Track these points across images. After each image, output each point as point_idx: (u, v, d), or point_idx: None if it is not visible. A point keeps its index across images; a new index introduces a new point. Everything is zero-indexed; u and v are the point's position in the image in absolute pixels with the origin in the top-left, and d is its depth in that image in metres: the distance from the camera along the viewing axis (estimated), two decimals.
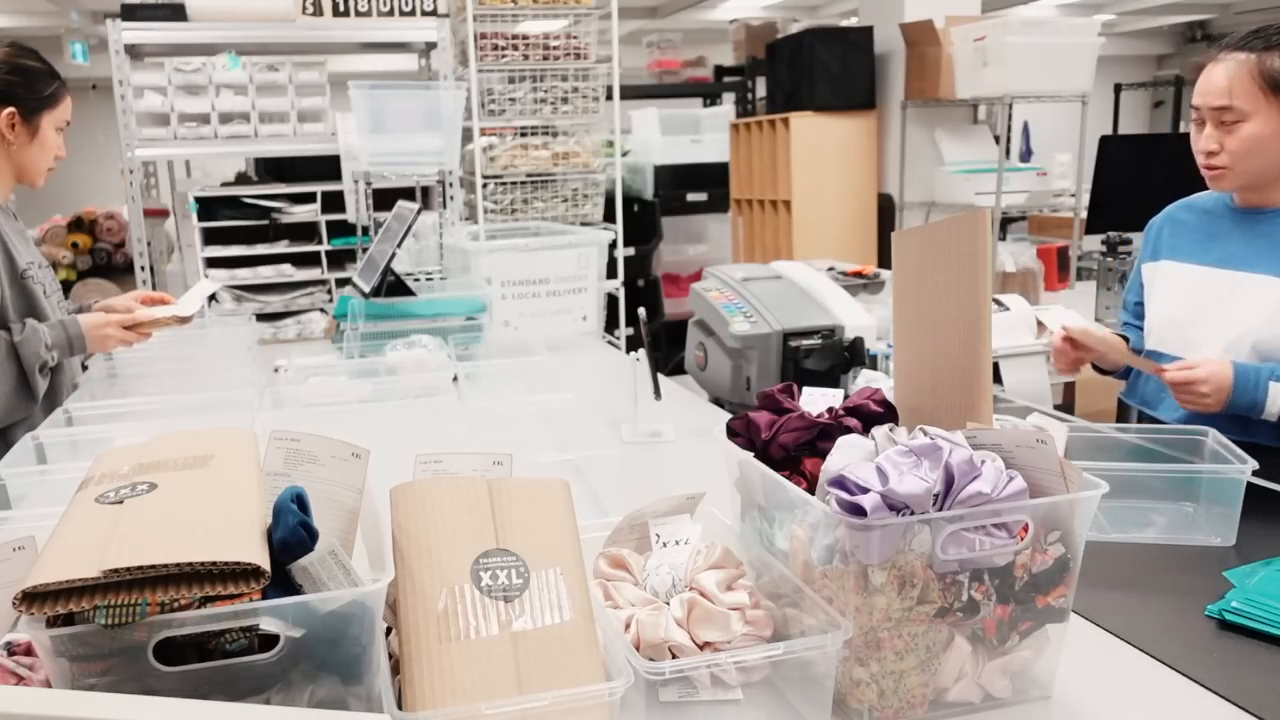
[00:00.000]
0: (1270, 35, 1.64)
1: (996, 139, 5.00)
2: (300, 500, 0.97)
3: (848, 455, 1.10)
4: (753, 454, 1.23)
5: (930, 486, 1.01)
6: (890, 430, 1.14)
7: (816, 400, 1.29)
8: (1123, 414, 1.99)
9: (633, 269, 5.74)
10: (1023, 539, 1.04)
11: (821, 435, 1.19)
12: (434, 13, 4.00)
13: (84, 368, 2.49)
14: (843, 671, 1.07)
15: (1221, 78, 1.67)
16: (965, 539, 1.02)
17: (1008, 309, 2.83)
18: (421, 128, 3.27)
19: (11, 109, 2.11)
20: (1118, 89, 9.33)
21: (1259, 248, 1.73)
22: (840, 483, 1.03)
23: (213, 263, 3.71)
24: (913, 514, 1.01)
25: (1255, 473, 1.46)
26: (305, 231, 3.85)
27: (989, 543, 1.03)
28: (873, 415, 1.22)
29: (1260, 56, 1.63)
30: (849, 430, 1.19)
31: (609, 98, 4.44)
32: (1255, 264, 1.72)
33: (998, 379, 2.47)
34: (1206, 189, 1.83)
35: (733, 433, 1.26)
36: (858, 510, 1.00)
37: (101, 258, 5.19)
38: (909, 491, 1.00)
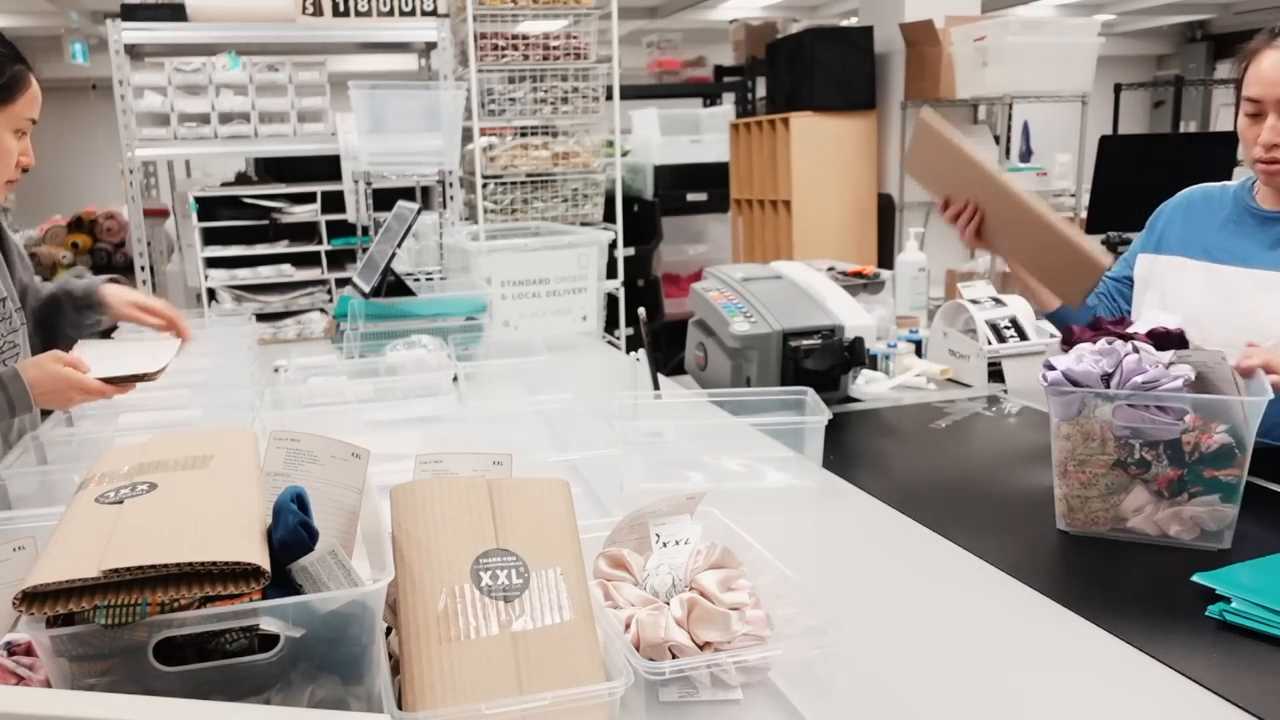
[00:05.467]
0: None
1: (996, 139, 5.00)
2: (300, 500, 0.97)
3: (1077, 353, 1.52)
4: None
5: (1096, 372, 1.45)
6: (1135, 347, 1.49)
7: (1148, 323, 1.61)
8: None
9: (633, 269, 5.74)
10: (1194, 425, 1.40)
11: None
12: (434, 13, 4.00)
13: None
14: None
15: None
16: (1131, 413, 1.43)
17: (1006, 307, 2.82)
18: (421, 128, 3.26)
19: None
20: (1118, 89, 9.31)
21: None
22: (1048, 364, 1.51)
23: (213, 263, 3.70)
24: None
25: (1254, 472, 1.46)
26: (305, 231, 3.85)
27: (1152, 419, 1.42)
28: (1164, 338, 1.54)
29: None
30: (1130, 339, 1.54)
31: (609, 98, 4.43)
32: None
33: (1000, 378, 2.47)
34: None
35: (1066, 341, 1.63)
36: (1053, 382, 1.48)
37: (101, 258, 5.18)
38: (1083, 370, 1.46)
